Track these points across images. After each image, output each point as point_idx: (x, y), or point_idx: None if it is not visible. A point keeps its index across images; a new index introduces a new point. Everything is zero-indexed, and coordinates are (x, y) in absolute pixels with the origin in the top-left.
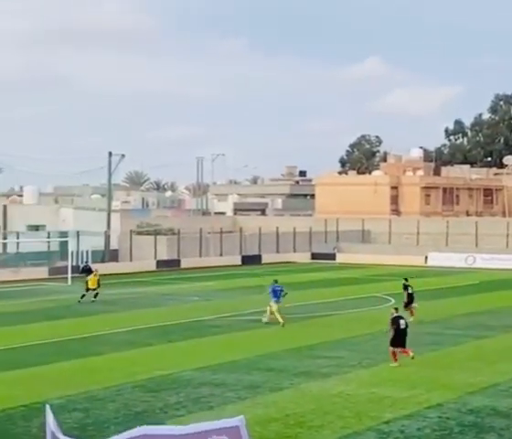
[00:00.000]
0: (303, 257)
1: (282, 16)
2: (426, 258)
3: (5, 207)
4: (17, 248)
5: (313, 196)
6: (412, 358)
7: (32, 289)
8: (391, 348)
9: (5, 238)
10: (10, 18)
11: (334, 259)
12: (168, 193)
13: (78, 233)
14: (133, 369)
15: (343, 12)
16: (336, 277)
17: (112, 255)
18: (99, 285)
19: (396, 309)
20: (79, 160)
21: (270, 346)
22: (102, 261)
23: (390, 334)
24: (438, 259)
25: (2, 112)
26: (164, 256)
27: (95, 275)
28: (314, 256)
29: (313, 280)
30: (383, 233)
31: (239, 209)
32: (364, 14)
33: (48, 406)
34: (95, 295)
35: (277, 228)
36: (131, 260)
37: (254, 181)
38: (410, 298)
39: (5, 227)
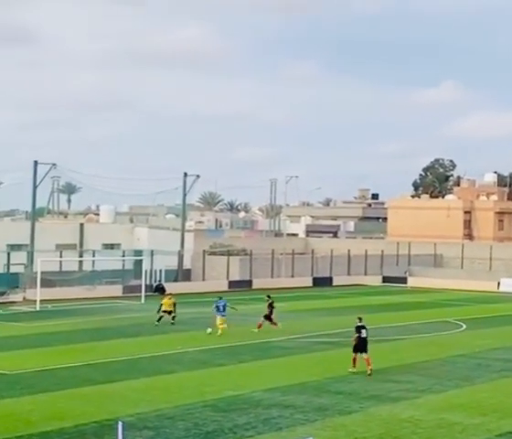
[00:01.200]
0: (374, 280)
1: (356, 38)
2: (498, 284)
3: (81, 225)
4: (93, 266)
5: (385, 219)
6: (369, 374)
7: (106, 307)
8: (353, 354)
9: (81, 256)
10: (88, 40)
11: (405, 282)
12: (241, 214)
13: (152, 252)
14: (204, 388)
15: (417, 35)
16: (407, 301)
17: (185, 275)
18: (175, 308)
19: (359, 319)
20: (154, 180)
21: (339, 369)
22: (175, 280)
23: (353, 341)
24: (511, 285)
25: (78, 131)
26: (236, 276)
27: (170, 299)
28: (385, 279)
29: (384, 303)
30: (455, 258)
31: (311, 231)
32: (438, 37)
33: (120, 423)
34: (173, 318)
35: (349, 250)
36: (203, 279)
37: (327, 203)
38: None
39: (81, 245)
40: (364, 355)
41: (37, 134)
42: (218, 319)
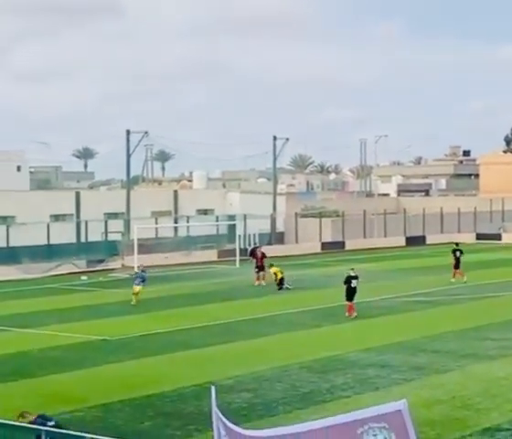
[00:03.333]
0: (467, 237)
1: None
2: None
3: (175, 192)
4: (188, 231)
5: (477, 175)
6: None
7: (202, 271)
8: (347, 303)
9: (175, 222)
10: (176, 10)
11: (499, 239)
12: (332, 175)
13: (245, 217)
14: (300, 349)
15: None
16: (502, 258)
17: (278, 238)
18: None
19: (352, 269)
20: (245, 145)
21: (435, 327)
22: (269, 243)
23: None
24: None
25: (168, 100)
26: (328, 238)
27: (272, 266)
28: (478, 237)
29: (478, 260)
30: None
31: (402, 191)
32: None
33: (213, 388)
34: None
35: (441, 208)
36: (296, 242)
37: (418, 162)
38: (457, 262)
39: (176, 211)
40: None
41: (130, 105)
42: (136, 288)
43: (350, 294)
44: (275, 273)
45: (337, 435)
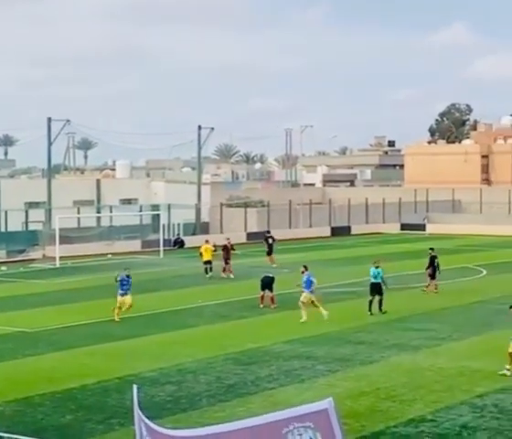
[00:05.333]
0: (392, 228)
1: None
2: None
3: (98, 181)
4: (111, 221)
5: (402, 166)
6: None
7: (126, 262)
8: (261, 292)
9: (98, 212)
10: None
11: (424, 229)
12: (258, 165)
13: (169, 206)
14: (225, 341)
15: None
16: (426, 248)
17: (203, 228)
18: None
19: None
20: (170, 134)
21: (360, 318)
22: (194, 233)
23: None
24: None
25: (90, 87)
26: (254, 228)
27: (207, 243)
28: (403, 227)
29: (402, 251)
30: (474, 203)
31: (327, 181)
32: None
33: (135, 387)
34: (211, 269)
35: (366, 199)
36: (221, 232)
37: (343, 152)
38: (434, 270)
39: (98, 201)
40: (269, 293)
41: (47, 92)
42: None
43: (267, 283)
44: (201, 253)
45: (261, 435)
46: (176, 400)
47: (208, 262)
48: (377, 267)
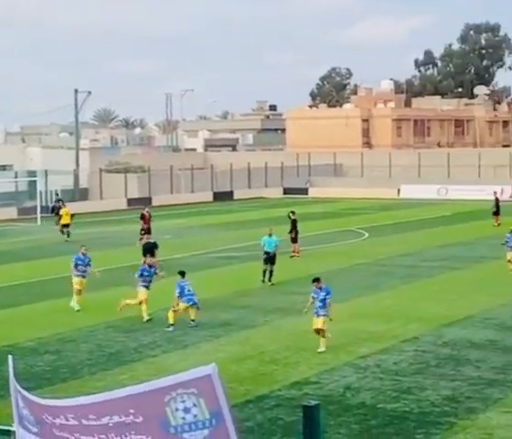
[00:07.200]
0: (275, 192)
1: None
2: (399, 190)
3: None
4: None
5: (284, 130)
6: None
7: (1, 230)
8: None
9: None
10: None
11: (306, 193)
12: (137, 130)
13: (46, 173)
14: (107, 309)
15: None
16: (309, 212)
17: (82, 194)
18: (72, 219)
19: None
20: (46, 98)
21: (243, 283)
22: (72, 200)
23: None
24: (410, 191)
25: None
26: (135, 194)
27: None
28: (286, 191)
29: (285, 215)
30: (355, 167)
31: (209, 146)
32: None
33: (10, 357)
34: (68, 234)
35: (248, 163)
36: (101, 198)
37: (224, 117)
38: (296, 233)
39: None
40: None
41: None
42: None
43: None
44: (60, 215)
45: (143, 403)
46: (56, 369)
47: (66, 226)
48: (270, 235)
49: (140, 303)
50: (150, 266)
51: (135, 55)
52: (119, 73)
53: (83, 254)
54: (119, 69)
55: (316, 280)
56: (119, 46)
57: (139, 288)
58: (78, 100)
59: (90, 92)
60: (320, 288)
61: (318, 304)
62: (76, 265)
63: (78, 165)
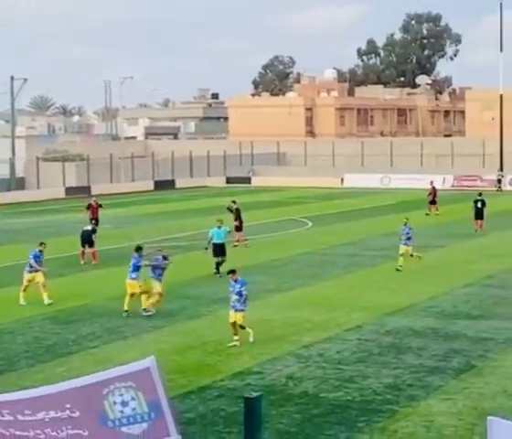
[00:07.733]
0: (217, 181)
1: None
2: (342, 179)
3: None
4: None
5: (226, 119)
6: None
7: None
8: (81, 248)
9: None
10: None
11: (249, 182)
12: (76, 118)
13: None
14: (43, 300)
15: None
16: (251, 201)
17: (19, 183)
18: None
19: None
20: None
21: (186, 273)
22: (8, 189)
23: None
24: (354, 180)
25: None
26: (73, 183)
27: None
28: (228, 180)
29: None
30: (299, 155)
31: (150, 134)
32: None
33: None
34: None
35: (190, 152)
36: (38, 187)
37: (165, 104)
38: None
39: None
40: (90, 249)
41: None
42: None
43: (85, 238)
44: None
45: (80, 398)
46: None
47: None
48: (219, 227)
49: (160, 294)
50: (164, 258)
51: (74, 41)
52: (56, 59)
53: (40, 251)
54: (56, 55)
55: (232, 272)
56: (56, 31)
57: (153, 283)
58: (14, 87)
59: (26, 79)
60: (235, 280)
61: (234, 297)
62: (32, 262)
63: (14, 153)
